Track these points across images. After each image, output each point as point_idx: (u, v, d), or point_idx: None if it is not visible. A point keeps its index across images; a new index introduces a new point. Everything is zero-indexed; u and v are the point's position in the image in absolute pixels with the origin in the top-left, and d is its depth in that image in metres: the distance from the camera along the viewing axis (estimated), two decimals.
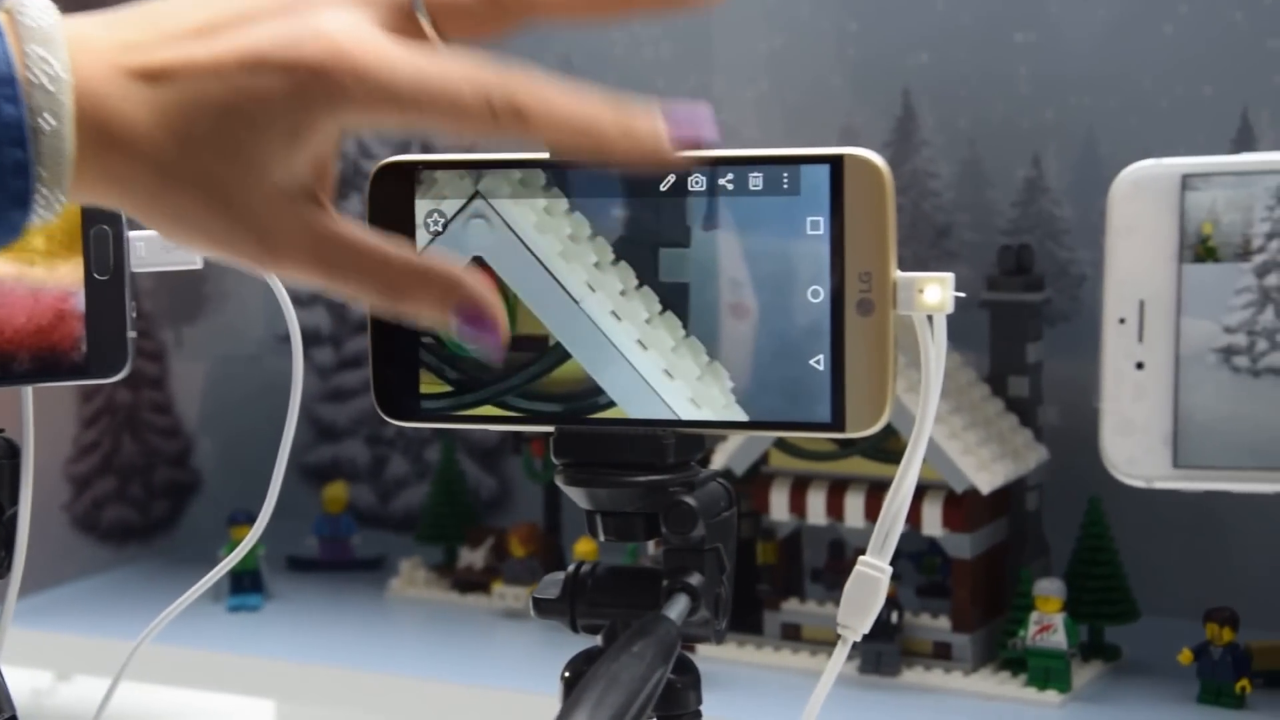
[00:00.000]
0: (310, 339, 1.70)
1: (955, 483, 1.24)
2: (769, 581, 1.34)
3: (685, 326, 0.62)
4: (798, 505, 1.29)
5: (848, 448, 1.27)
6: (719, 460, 1.30)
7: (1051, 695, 1.22)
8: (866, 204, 0.59)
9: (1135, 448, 0.53)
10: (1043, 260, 1.37)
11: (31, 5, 0.50)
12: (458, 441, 1.62)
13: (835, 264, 0.60)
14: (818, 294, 0.61)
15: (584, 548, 1.37)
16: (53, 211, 0.51)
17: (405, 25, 0.53)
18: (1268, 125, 1.31)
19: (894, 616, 1.26)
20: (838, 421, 0.61)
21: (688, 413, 0.63)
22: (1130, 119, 1.37)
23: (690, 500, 0.61)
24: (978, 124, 1.43)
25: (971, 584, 1.28)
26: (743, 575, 1.36)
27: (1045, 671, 1.23)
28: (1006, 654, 1.26)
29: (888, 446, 1.24)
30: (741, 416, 0.62)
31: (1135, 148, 0.52)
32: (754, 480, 1.31)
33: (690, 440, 0.63)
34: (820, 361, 0.61)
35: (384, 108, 0.51)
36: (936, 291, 0.59)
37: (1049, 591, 1.23)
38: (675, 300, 0.62)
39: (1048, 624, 1.23)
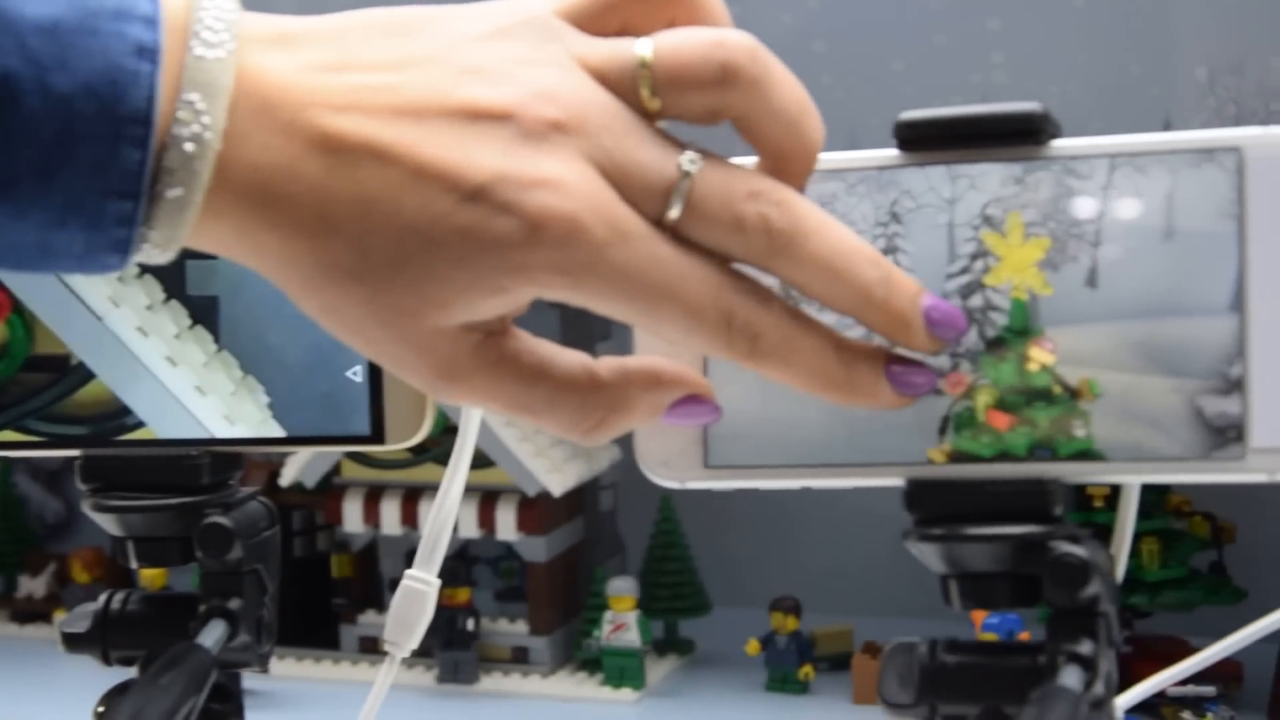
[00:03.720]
0: None
1: (528, 486, 1.24)
2: (345, 595, 1.31)
3: (217, 341, 0.60)
4: (372, 516, 1.28)
5: (420, 455, 1.25)
6: (289, 474, 1.27)
7: (627, 693, 1.24)
8: None
9: (668, 450, 0.53)
10: None
11: (213, 17, 0.41)
12: (17, 463, 1.53)
13: None
14: None
15: (153, 571, 1.32)
16: (158, 261, 0.42)
17: (632, 102, 0.44)
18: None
19: (470, 624, 1.25)
20: (377, 434, 0.60)
21: (222, 430, 0.60)
22: None
23: (225, 521, 0.59)
24: None
25: (548, 586, 1.28)
26: (318, 589, 1.33)
27: (620, 670, 1.24)
28: (583, 654, 1.27)
29: None
30: (279, 432, 0.60)
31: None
32: (327, 492, 1.29)
33: (226, 459, 0.61)
34: (357, 373, 0.59)
35: (606, 296, 0.43)
36: None
37: (621, 590, 1.25)
38: (205, 314, 0.60)
39: (621, 623, 1.24)
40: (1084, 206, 0.47)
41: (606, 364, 0.46)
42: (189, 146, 0.40)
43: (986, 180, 0.48)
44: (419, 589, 0.62)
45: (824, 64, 1.35)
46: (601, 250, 0.42)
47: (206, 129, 0.40)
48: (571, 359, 0.46)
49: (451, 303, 0.43)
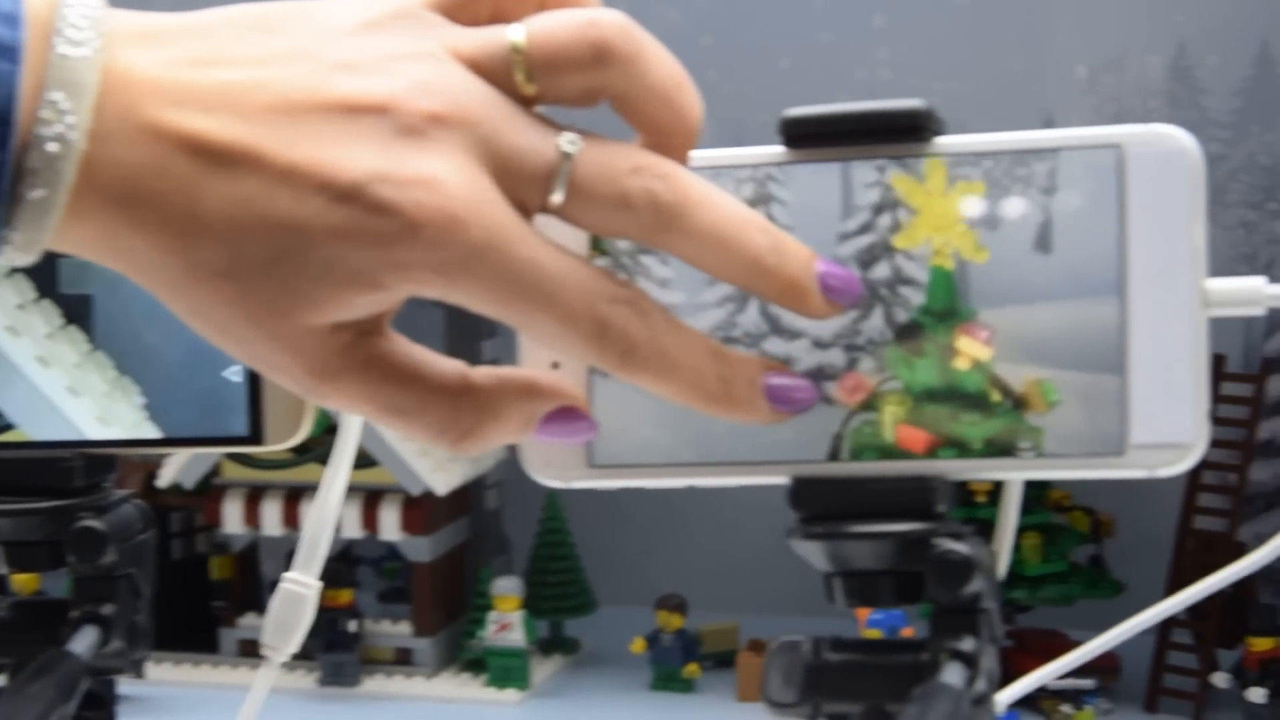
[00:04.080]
0: None
1: (411, 485, 1.23)
2: (225, 597, 1.30)
3: (90, 340, 0.59)
4: (253, 517, 1.26)
5: (303, 455, 1.24)
6: (167, 474, 1.25)
7: (511, 693, 1.23)
8: None
9: (552, 449, 0.52)
10: None
11: (78, 14, 0.39)
12: None
13: None
14: None
15: (25, 576, 1.30)
16: (23, 261, 0.40)
17: (506, 88, 0.43)
18: None
19: (352, 626, 1.24)
20: (255, 434, 0.59)
21: (95, 431, 0.59)
22: None
23: (97, 524, 0.57)
24: None
25: (432, 587, 1.27)
26: (197, 592, 1.31)
27: (504, 670, 1.23)
28: (467, 655, 1.27)
29: None
30: (155, 433, 0.59)
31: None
32: (206, 493, 1.27)
33: (99, 461, 0.60)
34: (236, 373, 0.58)
35: (481, 297, 0.42)
36: None
37: (506, 590, 1.24)
38: (78, 313, 0.59)
39: (506, 623, 1.23)
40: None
41: (483, 372, 0.46)
42: (52, 147, 0.39)
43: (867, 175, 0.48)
44: (298, 592, 0.61)
45: (711, 60, 1.35)
46: (479, 251, 0.41)
47: (71, 129, 0.39)
48: (446, 364, 0.45)
49: (325, 301, 0.41)
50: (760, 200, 0.48)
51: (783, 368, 0.45)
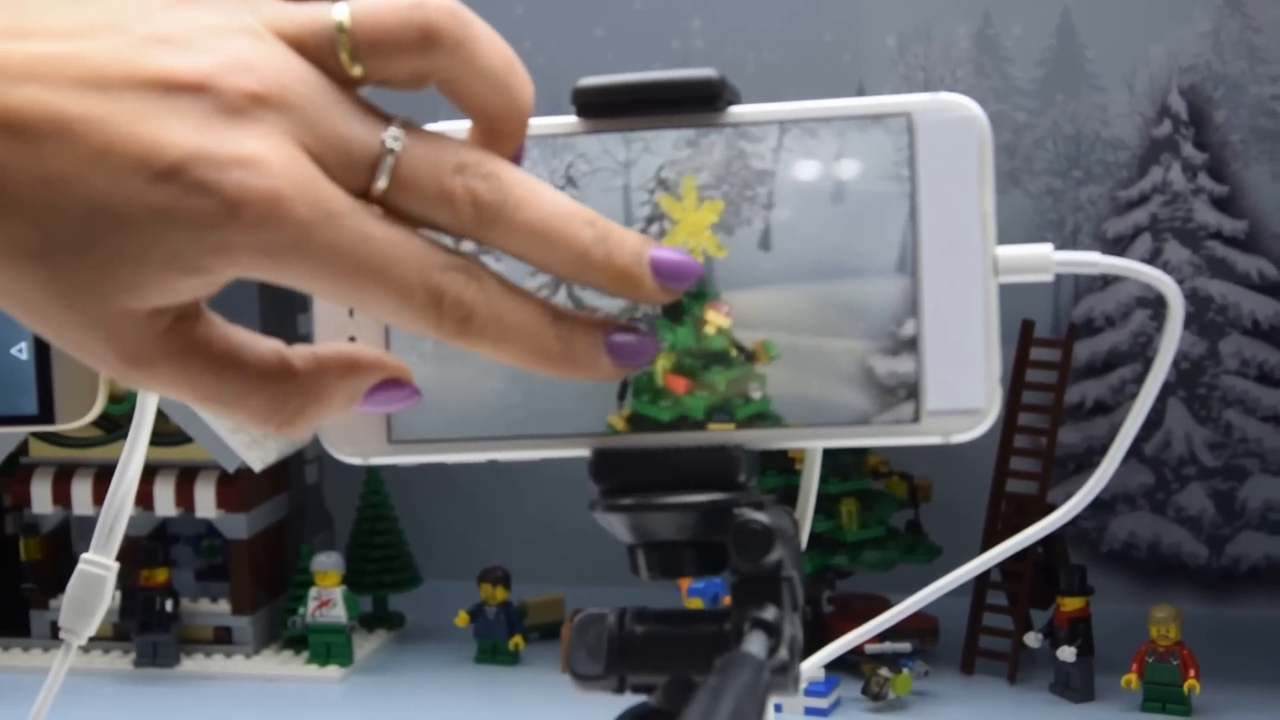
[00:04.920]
0: None
1: (227, 462, 1.21)
2: (36, 579, 1.27)
3: None
4: (62, 496, 1.23)
5: (113, 433, 1.21)
6: None
7: (333, 670, 1.22)
8: None
9: (350, 425, 0.51)
10: None
11: None
12: None
13: None
14: None
15: None
16: None
17: (331, 70, 0.42)
18: None
19: (169, 605, 1.22)
20: (46, 412, 0.57)
21: None
22: None
23: None
24: None
25: (250, 564, 1.25)
26: (6, 574, 1.28)
27: (326, 647, 1.22)
28: (288, 633, 1.25)
29: (157, 428, 1.19)
30: None
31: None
32: (14, 472, 1.24)
33: None
34: (22, 350, 0.57)
35: (311, 277, 0.41)
36: None
37: (327, 566, 1.23)
38: None
39: (326, 599, 1.22)
40: (757, 170, 0.47)
41: (300, 352, 0.45)
42: None
43: (660, 144, 0.48)
44: (96, 573, 0.60)
45: (525, 28, 1.34)
46: (305, 230, 0.40)
47: None
48: (265, 347, 0.44)
49: (144, 284, 0.40)
50: (561, 171, 0.48)
51: (622, 323, 0.46)
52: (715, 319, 0.48)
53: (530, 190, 0.44)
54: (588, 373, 0.46)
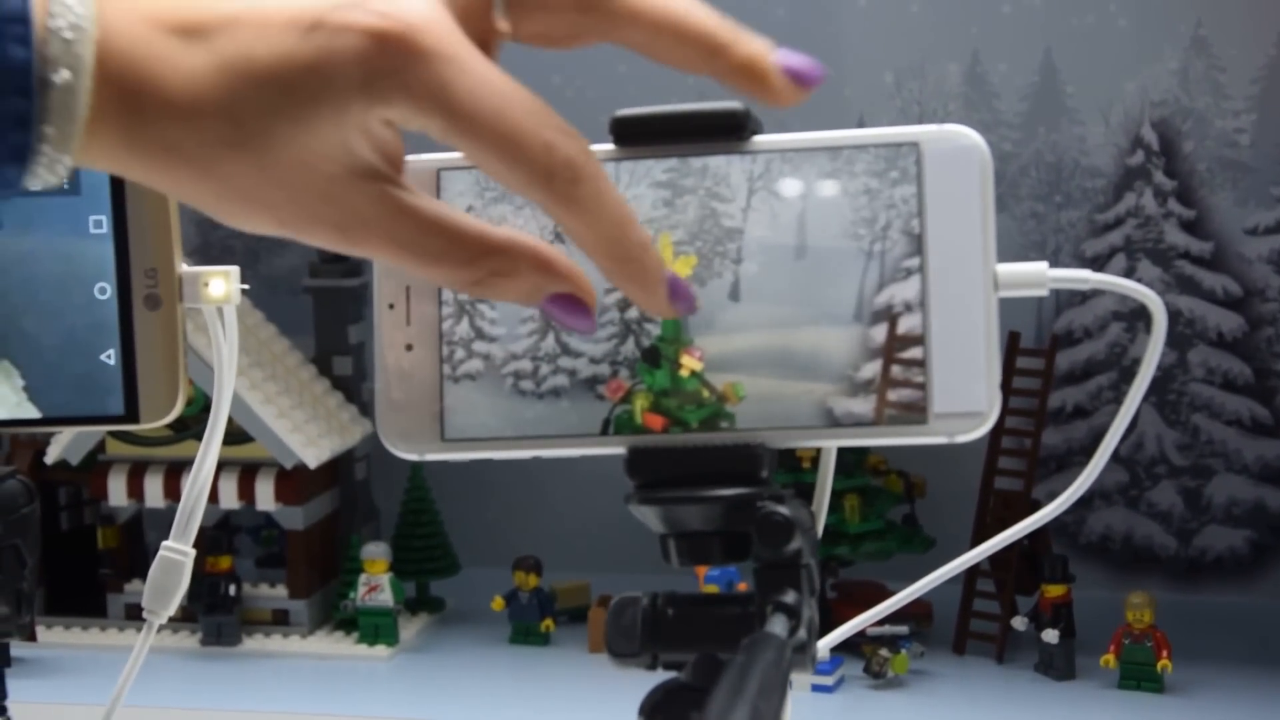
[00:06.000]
0: None
1: (285, 459, 1.21)
2: (111, 565, 1.27)
3: None
4: (136, 490, 1.23)
5: (182, 432, 1.22)
6: (53, 452, 1.22)
7: (381, 649, 1.22)
8: (147, 202, 0.56)
9: (407, 424, 0.52)
10: None
11: None
12: None
13: (120, 261, 0.56)
14: (105, 290, 0.57)
15: None
16: (55, 175, 0.39)
17: (478, 22, 0.43)
18: None
19: (232, 589, 1.22)
20: (131, 413, 0.57)
21: None
22: None
23: None
24: None
25: (306, 553, 1.26)
26: (86, 561, 1.29)
27: (375, 628, 1.22)
28: (340, 615, 1.25)
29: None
30: (34, 413, 0.57)
31: None
32: (93, 469, 1.24)
33: None
34: (111, 356, 0.57)
35: (442, 115, 0.41)
36: (221, 285, 0.57)
37: (375, 554, 1.23)
38: None
39: (375, 584, 1.22)
40: (729, 217, 0.47)
41: (502, 230, 0.44)
42: (69, 34, 0.39)
43: (640, 204, 0.48)
44: (175, 559, 0.60)
45: (554, 65, 1.34)
46: (437, 67, 0.41)
47: (81, 18, 0.39)
48: (467, 219, 0.44)
49: (325, 145, 0.41)
50: None
51: (684, 284, 0.45)
52: (689, 363, 0.48)
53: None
54: (647, 290, 0.44)
